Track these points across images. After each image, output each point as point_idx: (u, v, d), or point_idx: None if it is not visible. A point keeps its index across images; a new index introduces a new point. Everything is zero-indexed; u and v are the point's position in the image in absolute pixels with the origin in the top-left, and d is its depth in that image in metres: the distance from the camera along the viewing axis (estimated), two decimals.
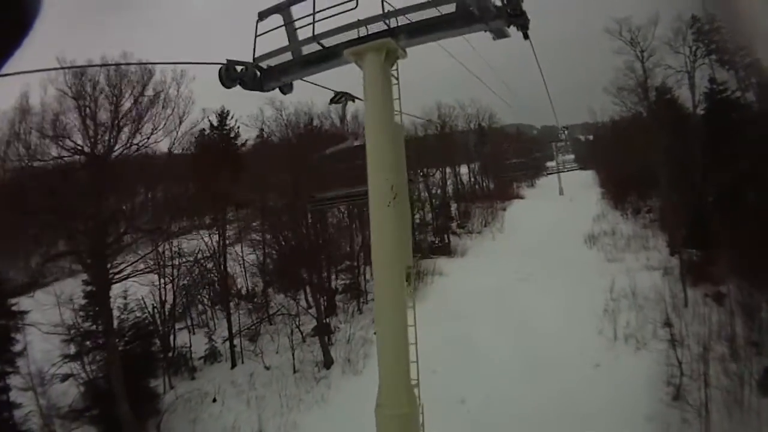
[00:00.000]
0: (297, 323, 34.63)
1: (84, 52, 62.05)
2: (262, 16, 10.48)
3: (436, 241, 49.19)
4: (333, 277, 40.58)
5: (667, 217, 42.57)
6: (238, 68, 10.51)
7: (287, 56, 10.89)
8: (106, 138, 29.99)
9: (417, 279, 39.20)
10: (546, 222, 50.42)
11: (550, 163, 73.74)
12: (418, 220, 50.40)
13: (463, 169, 64.02)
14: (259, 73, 10.75)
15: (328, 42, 10.06)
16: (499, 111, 63.54)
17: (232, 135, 42.52)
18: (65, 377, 28.80)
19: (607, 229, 47.43)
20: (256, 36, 10.56)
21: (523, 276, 37.73)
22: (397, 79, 9.90)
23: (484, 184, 65.93)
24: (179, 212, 36.68)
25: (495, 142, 66.71)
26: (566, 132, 60.95)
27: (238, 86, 10.73)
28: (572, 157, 71.75)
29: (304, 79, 11.16)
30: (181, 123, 33.03)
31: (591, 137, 74.36)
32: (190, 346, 34.28)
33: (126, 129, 30.62)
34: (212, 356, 34.13)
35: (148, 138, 31.32)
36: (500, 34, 9.51)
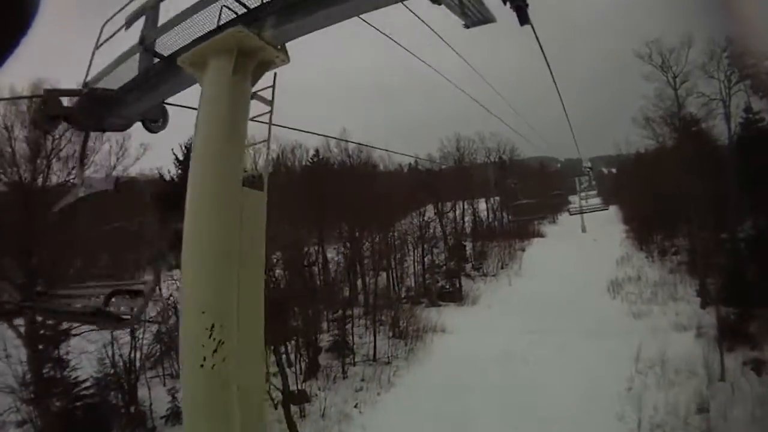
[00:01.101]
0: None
1: None
2: (129, 22, 6.06)
3: (447, 286, 44.48)
4: (325, 326, 35.86)
5: (697, 261, 37.52)
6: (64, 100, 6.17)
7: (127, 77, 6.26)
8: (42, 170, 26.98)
9: (416, 338, 34.77)
10: (567, 265, 45.80)
11: (572, 197, 68.57)
12: (428, 262, 46.16)
13: (482, 205, 59.47)
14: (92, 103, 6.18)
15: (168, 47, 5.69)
16: (521, 144, 59.00)
17: None
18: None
19: (632, 274, 42.61)
20: (95, 49, 6.41)
21: (537, 335, 32.79)
22: (272, 100, 5.38)
23: (504, 221, 60.97)
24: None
25: (518, 177, 61.85)
26: (589, 169, 55.84)
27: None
28: (595, 192, 66.38)
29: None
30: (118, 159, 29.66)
31: (614, 170, 69.29)
32: (150, 404, 29.23)
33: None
34: (175, 416, 28.37)
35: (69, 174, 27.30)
36: (469, 15, 4.86)
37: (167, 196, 34.48)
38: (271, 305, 32.84)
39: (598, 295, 38.96)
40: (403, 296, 43.49)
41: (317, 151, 47.13)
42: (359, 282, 41.36)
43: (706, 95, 36.25)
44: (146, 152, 31.26)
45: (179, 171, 33.82)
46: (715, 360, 26.62)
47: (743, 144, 34.50)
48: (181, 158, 33.74)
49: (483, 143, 58.94)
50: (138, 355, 30.17)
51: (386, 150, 51.63)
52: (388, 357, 33.31)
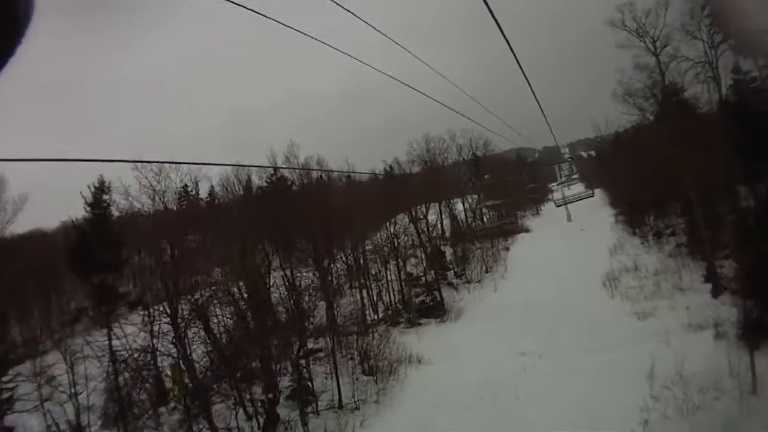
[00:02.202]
0: None
1: None
2: None
3: (427, 300, 38.64)
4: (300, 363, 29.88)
5: (699, 241, 32.26)
6: None
7: None
8: None
9: (389, 374, 29.18)
10: (555, 260, 40.42)
11: (553, 185, 63.04)
12: (406, 275, 40.45)
13: (459, 206, 53.65)
14: None
15: None
16: (495, 138, 53.36)
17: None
18: None
19: (628, 263, 37.11)
20: None
21: (528, 358, 27.20)
22: None
23: (486, 219, 55.22)
24: None
25: (492, 172, 56.11)
26: (570, 158, 50.97)
27: None
28: (577, 177, 60.94)
29: None
30: None
31: (593, 153, 63.78)
32: None
33: None
34: None
35: None
36: None
37: (82, 245, 29.23)
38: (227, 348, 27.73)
39: (594, 293, 33.39)
40: (380, 317, 37.92)
41: (275, 170, 41.54)
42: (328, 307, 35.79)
43: (691, 59, 31.36)
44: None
45: (92, 215, 28.65)
46: (742, 367, 20.98)
47: (735, 107, 29.75)
48: (91, 200, 28.42)
49: (454, 141, 52.95)
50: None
51: (334, 171, 45.44)
52: (356, 402, 27.43)
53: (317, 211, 36.71)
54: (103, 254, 27.36)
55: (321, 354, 30.61)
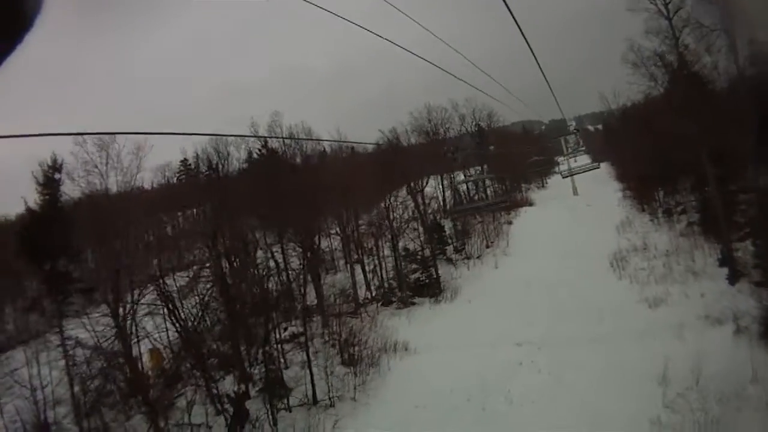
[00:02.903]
0: None
1: None
2: None
3: (422, 277, 35.73)
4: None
5: (715, 220, 29.27)
6: None
7: None
8: None
9: (370, 365, 26.36)
10: (560, 236, 37.47)
11: (560, 158, 59.82)
12: (403, 252, 37.53)
13: (461, 178, 50.41)
14: None
15: None
16: (500, 109, 50.00)
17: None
18: None
19: (636, 242, 34.04)
20: None
21: (525, 348, 24.26)
22: None
23: (489, 191, 52.00)
24: None
25: (497, 143, 52.75)
26: (576, 129, 47.83)
27: None
28: (584, 150, 57.74)
29: None
30: None
31: (600, 127, 60.74)
32: None
33: None
34: None
35: None
36: None
37: (34, 230, 26.24)
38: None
39: (600, 274, 30.41)
40: (373, 296, 35.21)
41: (265, 142, 38.44)
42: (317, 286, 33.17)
43: (705, 26, 27.90)
44: None
45: (45, 197, 25.68)
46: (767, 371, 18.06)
47: (753, 79, 26.47)
48: (42, 180, 25.53)
49: (457, 111, 49.46)
50: None
51: (324, 140, 42.04)
52: (331, 398, 24.39)
53: (307, 184, 33.92)
54: (52, 239, 24.43)
55: (301, 339, 27.82)
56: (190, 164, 37.00)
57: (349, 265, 36.15)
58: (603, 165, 51.75)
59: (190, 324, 26.38)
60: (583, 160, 52.82)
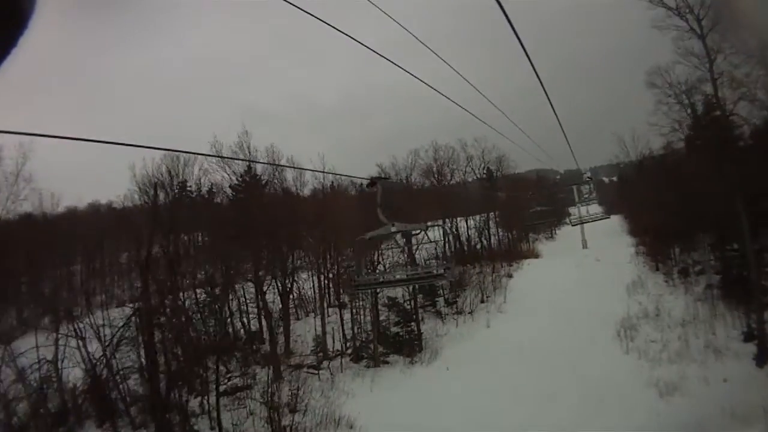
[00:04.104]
0: None
1: None
2: None
3: (401, 332, 30.32)
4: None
5: (740, 285, 24.10)
6: None
7: None
8: None
9: None
10: (563, 295, 32.34)
11: (572, 209, 54.60)
12: (388, 301, 32.29)
13: (468, 222, 45.04)
14: None
15: None
16: (514, 155, 45.33)
17: None
18: None
19: (648, 306, 28.75)
20: None
21: None
22: None
23: (494, 240, 46.52)
24: None
25: (508, 190, 47.54)
26: (589, 177, 43.18)
27: None
28: (596, 201, 52.71)
29: None
30: None
31: (615, 179, 55.42)
32: None
33: None
34: None
35: None
36: None
37: None
38: None
39: (605, 344, 25.09)
40: (346, 347, 29.91)
41: (249, 167, 33.76)
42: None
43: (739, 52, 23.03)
44: None
45: None
46: None
47: None
48: None
49: (465, 151, 44.51)
50: None
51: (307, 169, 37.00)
52: None
53: (282, 217, 29.54)
54: None
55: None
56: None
57: (320, 310, 30.98)
58: (616, 218, 46.88)
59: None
60: (595, 209, 47.73)
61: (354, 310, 31.75)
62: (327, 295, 32.98)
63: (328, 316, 31.26)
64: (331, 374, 26.39)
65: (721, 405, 17.82)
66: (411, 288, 34.28)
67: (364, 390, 24.47)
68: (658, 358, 22.68)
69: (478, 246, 44.58)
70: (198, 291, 28.18)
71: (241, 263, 29.86)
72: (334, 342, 29.86)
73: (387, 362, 28.01)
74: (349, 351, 29.44)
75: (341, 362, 27.60)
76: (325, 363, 27.67)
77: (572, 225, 44.49)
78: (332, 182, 39.10)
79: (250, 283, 29.68)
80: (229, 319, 29.03)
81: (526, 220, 43.09)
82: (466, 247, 43.82)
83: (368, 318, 31.67)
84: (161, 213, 27.19)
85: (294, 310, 31.97)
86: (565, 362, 23.37)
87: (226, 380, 24.95)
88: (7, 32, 1.63)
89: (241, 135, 30.00)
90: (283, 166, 32.85)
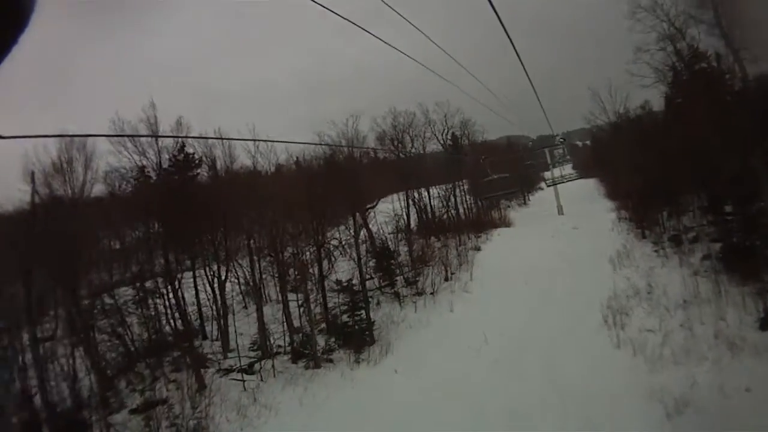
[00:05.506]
0: None
1: None
2: None
3: (350, 323, 24.61)
4: None
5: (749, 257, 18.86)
6: None
7: None
8: None
9: None
10: (537, 271, 26.75)
11: (546, 174, 49.47)
12: (336, 285, 26.59)
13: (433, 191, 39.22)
14: None
15: None
16: (485, 122, 40.62)
17: None
18: None
19: (638, 283, 23.43)
20: None
21: None
22: None
23: (462, 210, 40.84)
24: None
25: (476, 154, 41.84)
26: (563, 140, 38.78)
27: None
28: (570, 164, 47.98)
29: None
30: None
31: (588, 143, 51.46)
32: None
33: None
34: None
35: None
36: None
37: None
38: None
39: (590, 334, 19.66)
40: (289, 344, 24.21)
41: (183, 145, 27.88)
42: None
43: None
44: None
45: None
46: None
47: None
48: None
49: (426, 117, 38.52)
50: None
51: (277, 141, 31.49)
52: None
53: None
54: None
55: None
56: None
57: (257, 302, 25.15)
58: (591, 181, 43.08)
59: None
60: (570, 172, 42.99)
61: (302, 296, 26.00)
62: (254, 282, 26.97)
63: (279, 303, 25.57)
64: (262, 380, 20.79)
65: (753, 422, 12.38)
66: (374, 264, 29.14)
67: (293, 405, 18.71)
68: (659, 355, 16.97)
69: (444, 216, 38.94)
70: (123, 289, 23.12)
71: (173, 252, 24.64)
72: (284, 336, 24.23)
73: (330, 360, 22.39)
74: (290, 348, 23.83)
75: (272, 364, 21.78)
76: (260, 364, 22.06)
77: (547, 186, 41.40)
78: (296, 158, 33.43)
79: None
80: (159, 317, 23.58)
81: (482, 192, 37.24)
82: (430, 217, 38.16)
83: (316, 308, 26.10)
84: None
85: (243, 300, 26.58)
86: (540, 365, 17.97)
87: (140, 391, 19.59)
88: (7, 32, 1.50)
89: (146, 108, 23.93)
90: (211, 138, 27.04)
